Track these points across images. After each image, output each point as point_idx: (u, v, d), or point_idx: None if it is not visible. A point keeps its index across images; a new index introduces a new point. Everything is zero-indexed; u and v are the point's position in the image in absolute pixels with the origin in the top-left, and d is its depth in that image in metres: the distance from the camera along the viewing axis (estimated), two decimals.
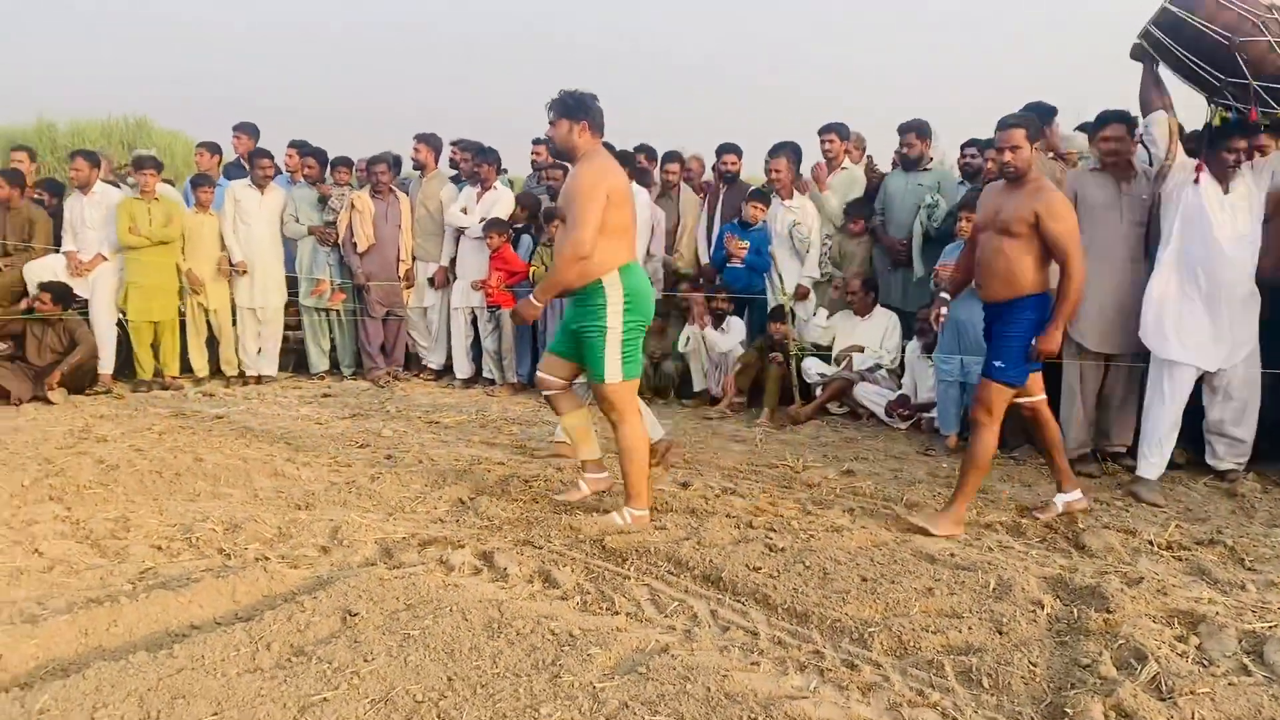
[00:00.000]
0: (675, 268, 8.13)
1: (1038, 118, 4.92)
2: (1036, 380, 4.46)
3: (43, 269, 7.81)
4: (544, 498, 4.80)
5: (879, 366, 7.10)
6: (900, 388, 6.94)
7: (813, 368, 7.25)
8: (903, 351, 7.05)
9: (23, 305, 7.62)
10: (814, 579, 3.57)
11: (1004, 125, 4.28)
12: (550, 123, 4.22)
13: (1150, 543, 4.13)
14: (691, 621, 3.27)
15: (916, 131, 7.23)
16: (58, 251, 8.00)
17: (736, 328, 7.61)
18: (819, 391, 7.18)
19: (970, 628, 3.12)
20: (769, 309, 7.47)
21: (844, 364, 7.16)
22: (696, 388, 7.74)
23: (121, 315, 8.00)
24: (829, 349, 7.35)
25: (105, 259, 7.93)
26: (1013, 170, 4.23)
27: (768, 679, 2.83)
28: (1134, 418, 5.39)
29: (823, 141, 7.70)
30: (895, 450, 6.13)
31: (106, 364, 7.86)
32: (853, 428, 6.83)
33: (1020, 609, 3.27)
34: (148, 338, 8.05)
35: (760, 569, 3.67)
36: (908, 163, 7.29)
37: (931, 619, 3.19)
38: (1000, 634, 3.09)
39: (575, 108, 4.14)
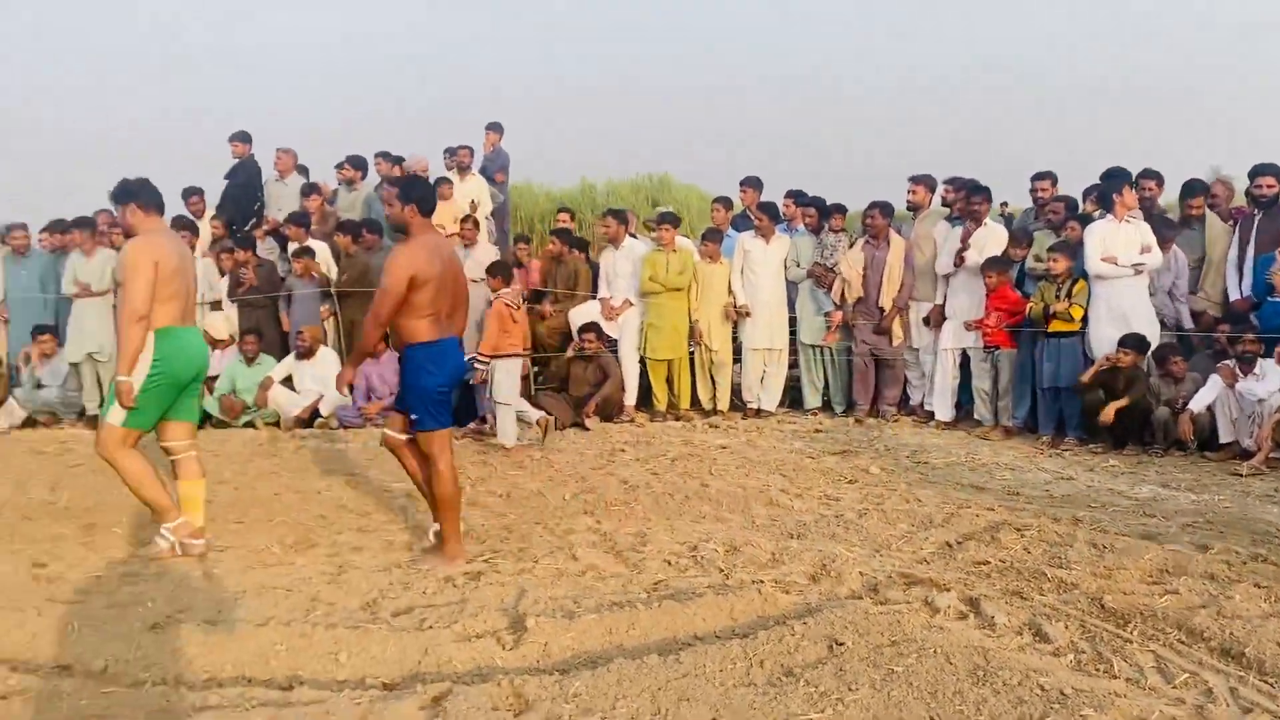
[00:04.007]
0: (1200, 308, 7.34)
1: None
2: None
3: (582, 313, 9.05)
4: (1037, 547, 4.59)
5: None
6: None
7: None
8: None
9: (572, 347, 8.86)
10: None
11: None
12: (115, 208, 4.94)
13: None
14: (1205, 697, 2.96)
15: None
16: (594, 298, 9.23)
17: (1274, 373, 6.65)
18: None
19: None
20: None
21: None
22: (1223, 439, 6.87)
23: (641, 353, 9.00)
24: None
25: (631, 304, 8.99)
26: None
27: None
28: None
29: None
30: None
31: (630, 396, 8.89)
32: None
33: None
34: (663, 373, 8.97)
35: None
36: None
37: None
38: None
39: (122, 193, 4.77)
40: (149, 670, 3.36)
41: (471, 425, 8.34)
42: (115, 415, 4.64)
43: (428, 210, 4.66)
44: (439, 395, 4.60)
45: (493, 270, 7.94)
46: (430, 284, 4.47)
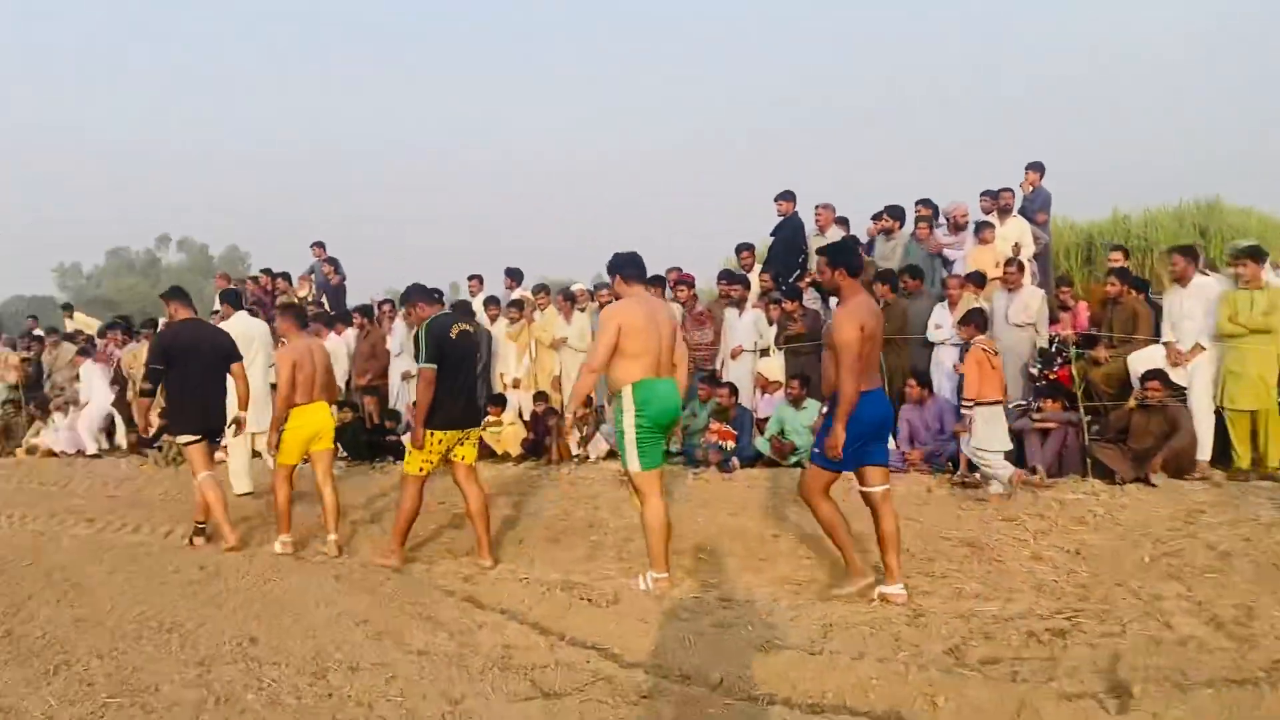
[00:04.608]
0: None
1: None
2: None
3: (1144, 359, 8.35)
4: None
5: None
6: None
7: None
8: None
9: (1134, 395, 8.21)
10: None
11: None
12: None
13: None
14: None
15: None
16: (1157, 342, 8.47)
17: None
18: None
19: None
20: None
21: None
22: None
23: (1218, 404, 8.06)
24: None
25: (1203, 349, 8.11)
26: None
27: None
28: None
29: None
30: None
31: (1204, 451, 8.00)
32: None
33: None
34: (1246, 426, 7.95)
35: None
36: None
37: None
38: None
39: (610, 267, 5.66)
40: (759, 687, 3.72)
41: (959, 474, 8.17)
42: (632, 463, 5.37)
43: (855, 272, 5.18)
44: (853, 440, 4.94)
45: (966, 319, 8.12)
46: (867, 339, 4.90)
